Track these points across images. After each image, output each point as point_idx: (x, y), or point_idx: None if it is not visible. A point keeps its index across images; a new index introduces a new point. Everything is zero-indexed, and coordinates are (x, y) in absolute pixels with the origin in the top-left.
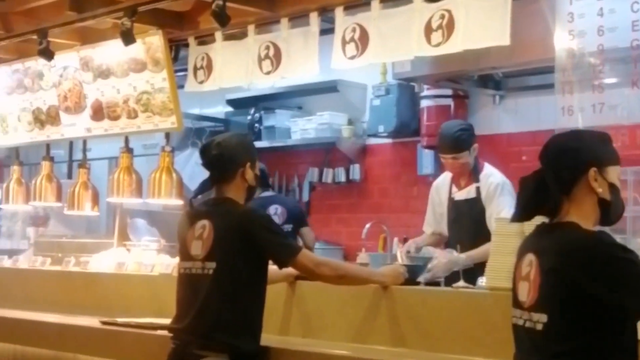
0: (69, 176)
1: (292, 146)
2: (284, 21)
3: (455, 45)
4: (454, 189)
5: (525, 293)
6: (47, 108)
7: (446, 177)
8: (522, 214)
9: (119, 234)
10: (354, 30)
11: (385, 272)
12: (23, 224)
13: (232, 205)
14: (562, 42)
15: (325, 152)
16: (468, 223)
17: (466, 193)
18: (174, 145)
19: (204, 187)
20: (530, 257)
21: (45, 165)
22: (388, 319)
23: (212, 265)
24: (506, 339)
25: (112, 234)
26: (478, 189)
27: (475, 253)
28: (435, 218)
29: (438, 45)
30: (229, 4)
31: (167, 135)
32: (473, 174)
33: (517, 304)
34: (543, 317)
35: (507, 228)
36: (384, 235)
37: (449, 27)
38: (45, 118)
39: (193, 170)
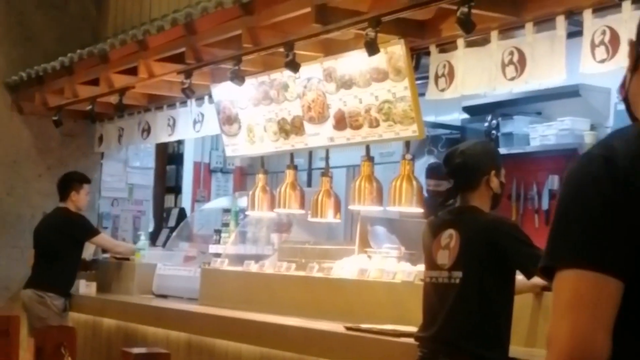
0: (309, 184)
1: (530, 153)
2: (529, 26)
3: None
4: None
5: None
6: (292, 118)
7: None
8: None
9: (360, 241)
10: (603, 33)
11: None
12: (267, 230)
13: (477, 213)
14: None
15: (566, 158)
16: None
17: None
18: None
19: (448, 195)
20: None
21: (289, 174)
22: None
23: (458, 274)
24: None
25: (351, 241)
26: None
27: None
28: None
29: None
30: (473, 11)
31: (407, 144)
32: None
33: None
34: None
35: None
36: None
37: None
38: (290, 128)
39: None
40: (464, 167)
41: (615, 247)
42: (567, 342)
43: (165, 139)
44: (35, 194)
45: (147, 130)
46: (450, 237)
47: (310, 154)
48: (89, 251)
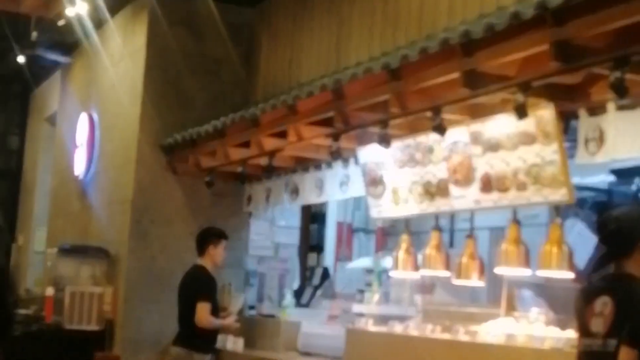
0: (451, 245)
1: None
2: None
3: None
4: None
5: None
6: (437, 181)
7: None
8: None
9: (506, 305)
10: None
11: None
12: (411, 291)
13: (634, 281)
14: None
15: None
16: None
17: None
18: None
19: (602, 262)
20: None
21: (434, 236)
22: None
23: (613, 342)
24: None
25: (495, 304)
26: None
27: None
28: None
29: None
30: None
31: (557, 208)
32: None
33: None
34: None
35: None
36: None
37: None
38: (435, 190)
39: (575, 241)
40: (619, 233)
41: None
42: None
43: (313, 200)
44: (187, 252)
45: (295, 192)
46: (604, 304)
47: (452, 215)
48: (236, 307)
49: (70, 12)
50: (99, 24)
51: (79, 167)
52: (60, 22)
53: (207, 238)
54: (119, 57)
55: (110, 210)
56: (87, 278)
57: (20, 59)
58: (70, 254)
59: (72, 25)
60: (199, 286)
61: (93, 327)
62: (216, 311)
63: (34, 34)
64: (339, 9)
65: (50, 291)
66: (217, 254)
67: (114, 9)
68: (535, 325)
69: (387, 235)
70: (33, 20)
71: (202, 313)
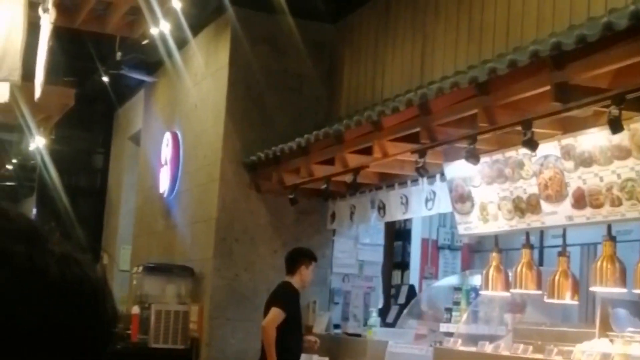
0: (540, 262)
1: None
2: None
3: None
4: None
5: None
6: (528, 197)
7: None
8: None
9: (600, 324)
10: None
11: None
12: (500, 309)
13: None
14: None
15: None
16: None
17: None
18: None
19: None
20: None
21: (525, 253)
22: None
23: None
24: None
25: (588, 323)
26: None
27: None
28: None
29: None
30: None
31: None
32: None
33: None
34: None
35: None
36: None
37: None
38: (525, 207)
39: None
40: None
41: None
42: None
43: (399, 217)
44: (271, 270)
45: (382, 209)
46: None
47: (542, 231)
48: (321, 326)
49: (153, 31)
50: (181, 43)
51: (164, 185)
52: (144, 42)
53: (299, 258)
54: (202, 76)
55: (194, 228)
56: (172, 296)
57: (105, 78)
58: (155, 272)
59: (155, 44)
60: (279, 295)
61: (179, 345)
62: (298, 326)
63: (119, 54)
64: (423, 23)
65: (136, 309)
66: (307, 274)
67: (196, 28)
68: (632, 346)
69: (473, 252)
70: (117, 41)
71: (271, 317)
